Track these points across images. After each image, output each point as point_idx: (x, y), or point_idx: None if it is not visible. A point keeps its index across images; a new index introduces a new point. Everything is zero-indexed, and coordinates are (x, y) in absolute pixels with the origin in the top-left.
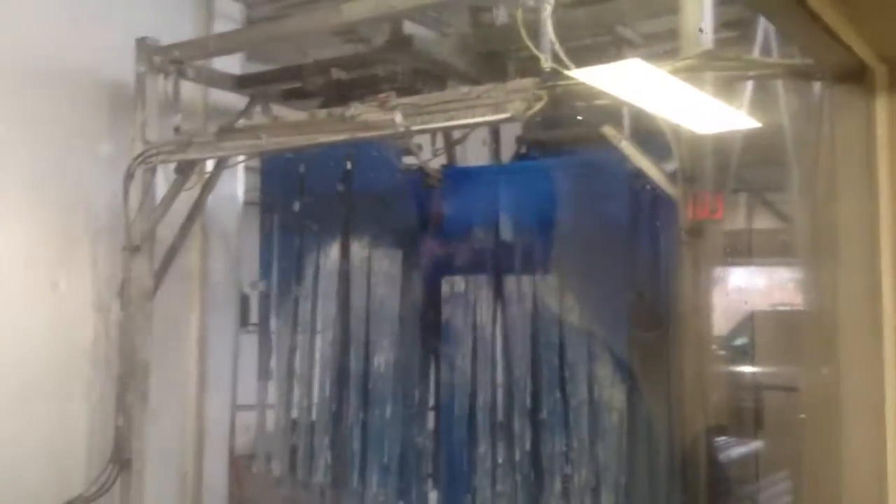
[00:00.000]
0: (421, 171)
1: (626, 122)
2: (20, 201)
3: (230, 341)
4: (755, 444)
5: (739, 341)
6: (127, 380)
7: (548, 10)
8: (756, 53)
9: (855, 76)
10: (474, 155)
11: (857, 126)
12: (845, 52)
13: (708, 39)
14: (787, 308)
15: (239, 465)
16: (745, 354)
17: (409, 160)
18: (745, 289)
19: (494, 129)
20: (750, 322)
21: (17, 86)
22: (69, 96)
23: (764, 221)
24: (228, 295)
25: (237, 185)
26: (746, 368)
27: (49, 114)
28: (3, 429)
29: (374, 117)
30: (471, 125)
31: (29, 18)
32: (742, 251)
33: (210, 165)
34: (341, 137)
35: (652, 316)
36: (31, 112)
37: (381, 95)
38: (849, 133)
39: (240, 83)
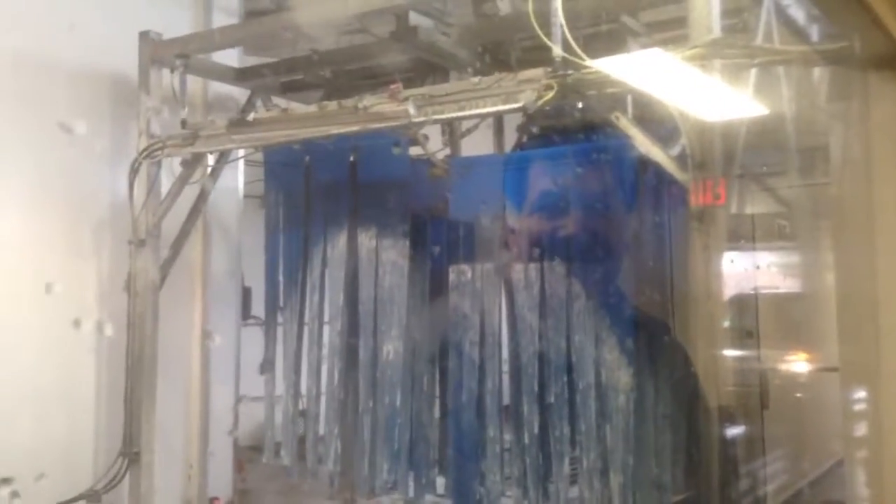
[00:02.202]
0: (427, 162)
1: (630, 108)
2: (25, 197)
3: (233, 333)
4: (761, 424)
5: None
6: (135, 373)
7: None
8: (759, 41)
9: (892, 63)
10: (475, 145)
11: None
12: (885, 39)
13: (717, 27)
14: (787, 291)
15: (243, 457)
16: (748, 336)
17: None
18: (742, 273)
19: (498, 119)
20: (753, 304)
21: (20, 82)
22: (71, 91)
23: (759, 206)
24: (230, 287)
25: (238, 178)
26: (751, 351)
27: (52, 109)
28: (14, 424)
29: (387, 108)
30: (482, 115)
31: (30, 13)
32: (744, 236)
33: (212, 159)
34: (353, 129)
35: (658, 300)
36: (35, 108)
37: (392, 86)
38: (885, 117)
39: (242, 76)
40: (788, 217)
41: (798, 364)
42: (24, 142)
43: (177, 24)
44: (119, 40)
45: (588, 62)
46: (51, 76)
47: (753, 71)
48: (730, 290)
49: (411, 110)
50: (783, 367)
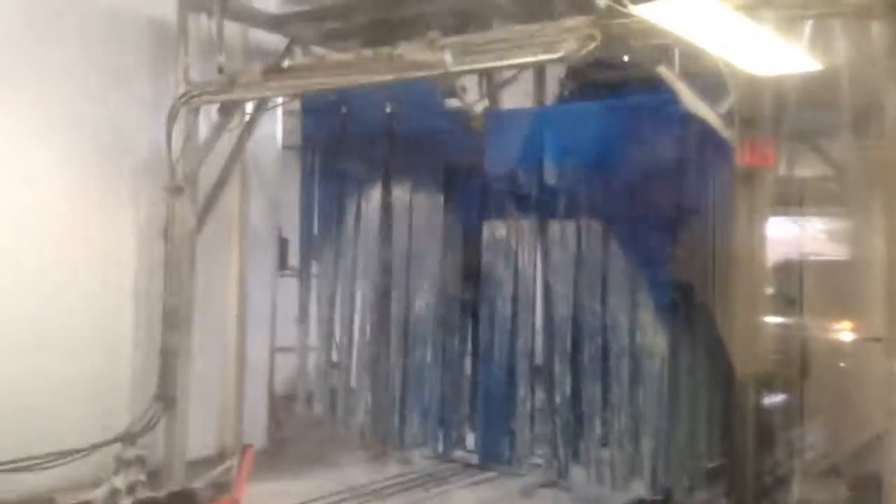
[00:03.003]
0: (464, 114)
1: (677, 62)
2: (66, 142)
3: (269, 284)
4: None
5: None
6: (171, 319)
7: None
8: None
9: None
10: (515, 97)
11: None
12: None
13: None
14: (835, 258)
15: (278, 405)
16: (791, 303)
17: (452, 102)
18: (788, 238)
19: (538, 71)
20: (797, 271)
21: (59, 27)
22: (111, 36)
23: (809, 169)
24: (267, 238)
25: (276, 128)
26: (793, 318)
27: (92, 55)
28: (51, 365)
29: (423, 57)
30: (521, 65)
31: None
32: (791, 199)
33: (250, 108)
34: (388, 77)
35: (700, 264)
36: (75, 53)
37: (430, 34)
38: None
39: (280, 22)
40: (839, 181)
41: (842, 333)
42: (65, 87)
43: None
44: None
45: (631, 8)
46: (91, 21)
47: (808, 24)
48: (774, 255)
49: (447, 59)
50: (826, 335)
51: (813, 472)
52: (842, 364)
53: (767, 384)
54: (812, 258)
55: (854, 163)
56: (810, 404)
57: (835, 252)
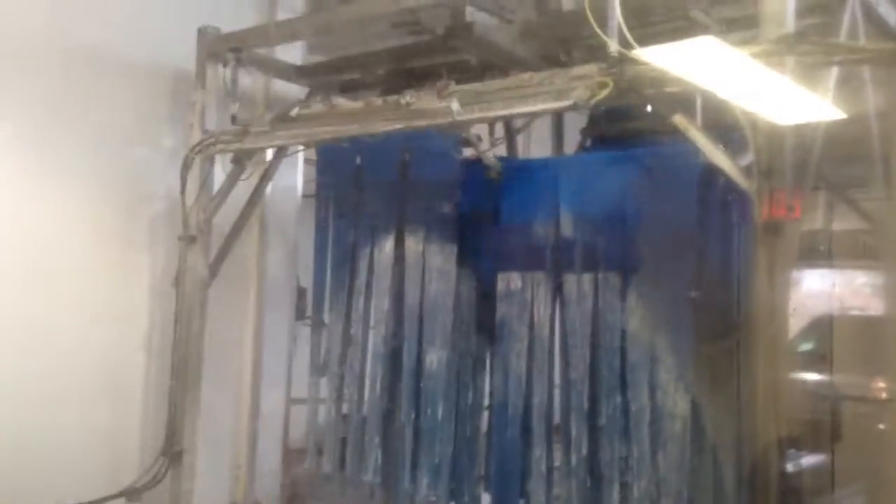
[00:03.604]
0: (479, 163)
1: (699, 112)
2: (80, 189)
3: (286, 334)
4: (831, 457)
5: (805, 346)
6: (180, 371)
7: None
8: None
9: None
10: (538, 148)
11: None
12: None
13: (791, 22)
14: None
15: (292, 460)
16: (821, 361)
17: (468, 152)
18: (817, 293)
19: (557, 121)
20: (828, 327)
21: (79, 74)
22: (131, 85)
23: (843, 222)
24: (285, 287)
25: (296, 176)
26: (822, 377)
27: (111, 103)
28: (62, 416)
29: (430, 105)
30: (531, 113)
31: (93, 8)
32: (820, 253)
33: (270, 155)
34: (397, 126)
35: (722, 320)
36: (94, 101)
37: (440, 83)
38: None
39: (300, 73)
40: (872, 233)
41: (878, 393)
42: (83, 135)
43: (242, 20)
44: (182, 36)
45: (636, 51)
46: (111, 71)
47: (833, 72)
48: (803, 311)
49: (455, 107)
50: (860, 395)
51: None
52: (880, 426)
53: (794, 447)
54: (845, 314)
55: (887, 215)
56: (843, 469)
57: (869, 307)
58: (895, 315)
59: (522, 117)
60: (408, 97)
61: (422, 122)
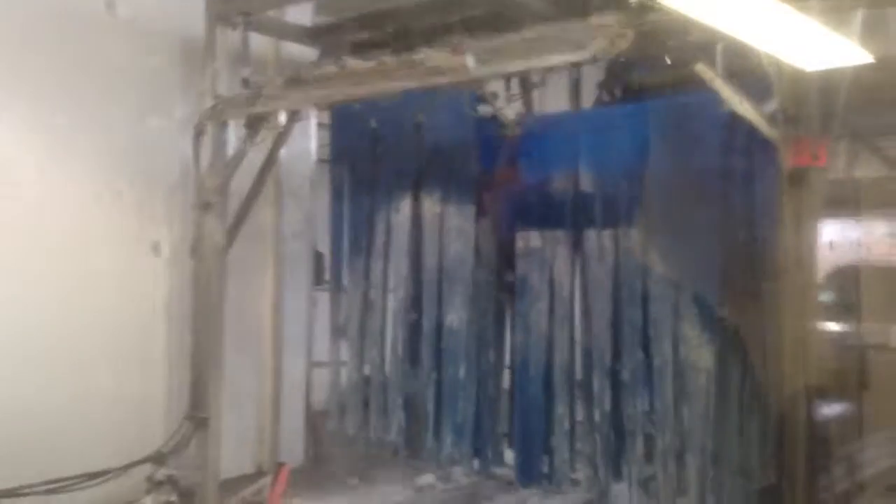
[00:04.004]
0: (496, 121)
1: (720, 59)
2: (95, 159)
3: (305, 298)
4: (858, 405)
5: (831, 295)
6: (201, 337)
7: None
8: None
9: None
10: (554, 103)
11: None
12: None
13: None
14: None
15: (316, 422)
16: (848, 310)
17: (484, 109)
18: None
19: (575, 75)
20: (854, 276)
21: (88, 45)
22: (142, 52)
23: (869, 169)
24: (302, 252)
25: (310, 140)
26: (849, 326)
27: (122, 70)
28: (88, 383)
29: (445, 62)
30: (548, 67)
31: None
32: (848, 202)
33: (283, 119)
34: (411, 84)
35: (748, 271)
36: (105, 69)
37: (454, 40)
38: None
39: (311, 35)
40: None
41: None
42: (96, 107)
43: None
44: (190, 1)
45: (664, 1)
46: (122, 41)
47: (860, 15)
48: (831, 261)
49: (470, 63)
50: (888, 344)
51: (875, 489)
52: None
53: (822, 396)
54: (871, 263)
55: None
56: (870, 418)
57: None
58: None
59: (539, 71)
60: (421, 54)
61: (436, 80)
